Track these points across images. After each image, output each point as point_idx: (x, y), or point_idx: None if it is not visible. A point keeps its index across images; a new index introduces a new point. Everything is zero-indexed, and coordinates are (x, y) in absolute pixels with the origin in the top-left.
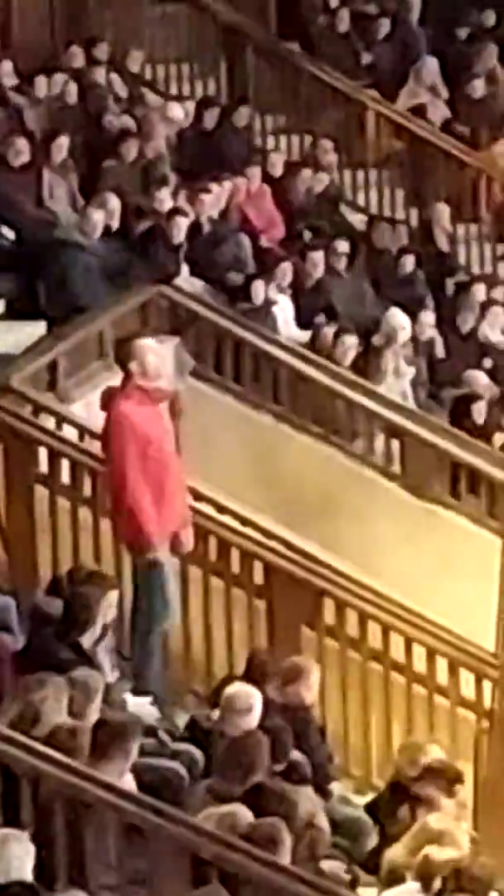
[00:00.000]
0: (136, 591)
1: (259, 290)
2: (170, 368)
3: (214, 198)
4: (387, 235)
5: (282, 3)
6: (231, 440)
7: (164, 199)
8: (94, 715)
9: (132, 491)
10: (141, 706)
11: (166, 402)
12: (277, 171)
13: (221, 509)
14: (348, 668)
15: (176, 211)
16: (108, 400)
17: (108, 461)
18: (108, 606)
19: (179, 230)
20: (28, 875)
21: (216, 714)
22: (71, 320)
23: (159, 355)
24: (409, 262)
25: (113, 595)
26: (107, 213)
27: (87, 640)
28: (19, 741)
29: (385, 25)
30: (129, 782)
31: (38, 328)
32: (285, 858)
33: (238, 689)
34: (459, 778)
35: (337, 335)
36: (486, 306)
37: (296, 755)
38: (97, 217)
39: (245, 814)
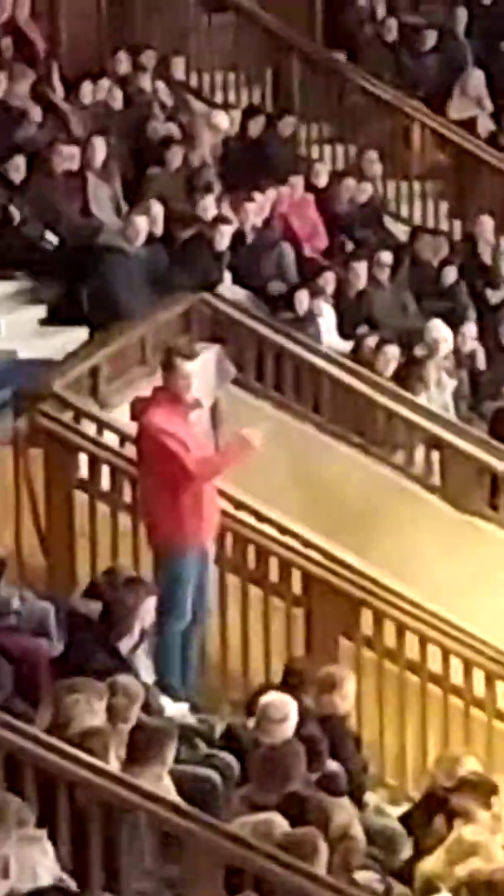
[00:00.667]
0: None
1: (302, 299)
2: (209, 377)
3: (258, 206)
4: (429, 247)
5: (328, 13)
6: (271, 449)
7: (208, 206)
8: (132, 720)
9: (161, 498)
10: (178, 711)
11: (199, 411)
12: (322, 180)
13: (261, 518)
14: (385, 679)
15: (220, 219)
16: (138, 409)
17: (141, 469)
18: (146, 612)
19: (222, 238)
20: (49, 876)
21: (252, 722)
22: (113, 326)
23: (196, 368)
24: (451, 274)
25: (151, 601)
26: (150, 220)
27: (124, 646)
28: (56, 746)
29: (431, 37)
30: (168, 788)
31: (81, 334)
32: (321, 868)
33: (273, 697)
34: (495, 790)
35: (379, 346)
36: None
37: (331, 765)
38: (140, 223)
39: (280, 822)
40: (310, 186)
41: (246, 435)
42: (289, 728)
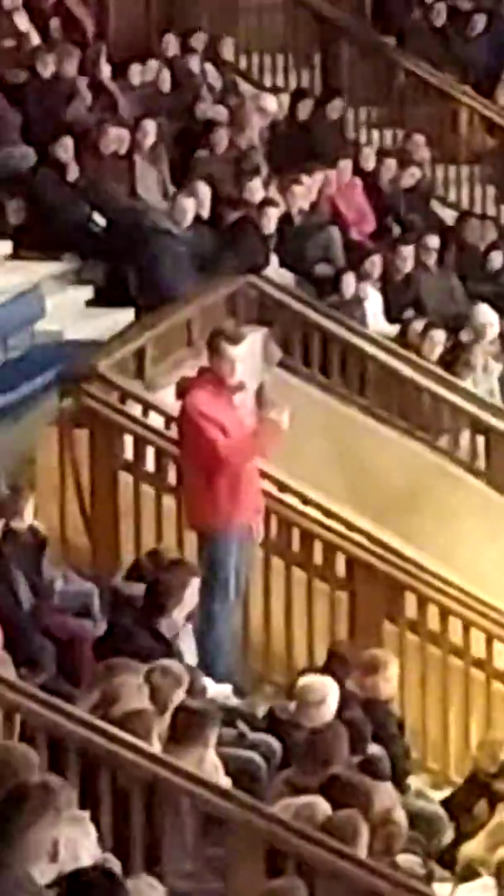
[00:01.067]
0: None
1: (349, 282)
2: (255, 360)
3: (305, 189)
4: (476, 231)
5: None
6: (317, 432)
7: (256, 189)
8: (175, 703)
9: (200, 480)
10: (221, 693)
11: (244, 394)
12: (370, 164)
13: (305, 501)
14: (428, 663)
15: (267, 202)
16: (183, 389)
17: (181, 449)
18: (190, 594)
19: (270, 221)
20: (90, 856)
21: (294, 705)
22: (159, 308)
23: (242, 352)
24: (497, 259)
25: (195, 582)
26: (197, 202)
27: (167, 627)
28: (99, 726)
29: (480, 21)
30: (212, 769)
31: (127, 315)
32: (362, 851)
33: (312, 680)
34: None
35: (425, 330)
36: None
37: (374, 748)
38: (187, 205)
39: (323, 805)
40: (358, 170)
41: (276, 418)
42: (328, 711)
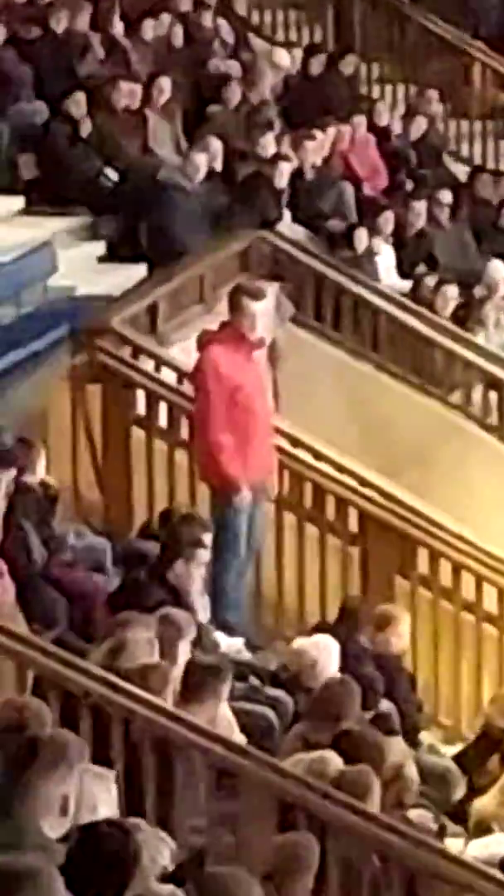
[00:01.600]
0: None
1: (361, 238)
2: (268, 315)
3: (318, 145)
4: (489, 187)
5: None
6: (329, 387)
7: (268, 144)
8: (184, 655)
9: (214, 434)
10: (233, 647)
11: (263, 350)
12: (383, 120)
13: (318, 456)
14: (440, 618)
15: (279, 156)
16: (203, 343)
17: (195, 403)
18: (203, 549)
19: (282, 176)
20: (109, 812)
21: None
22: (172, 263)
23: (263, 309)
24: None
25: (207, 537)
26: (209, 157)
27: (180, 582)
28: (111, 681)
29: None
30: (225, 722)
31: (139, 271)
32: (374, 806)
33: (300, 644)
34: None
35: (438, 286)
36: None
37: (385, 704)
38: (200, 160)
39: (335, 760)
40: (370, 125)
41: None
42: (325, 670)
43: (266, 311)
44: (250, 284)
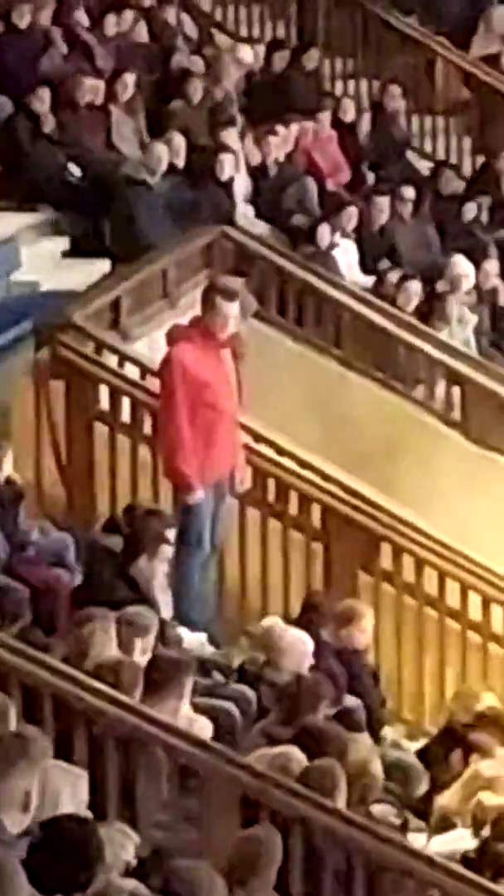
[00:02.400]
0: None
1: (324, 233)
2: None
3: (281, 140)
4: (452, 183)
5: None
6: (292, 383)
7: (231, 139)
8: (146, 652)
9: (174, 431)
10: (196, 643)
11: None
12: (348, 116)
13: (281, 451)
14: (403, 614)
15: (220, 148)
16: (173, 339)
17: (160, 399)
18: (166, 544)
19: (223, 166)
20: (73, 808)
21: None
22: (135, 259)
23: (236, 308)
24: (471, 210)
25: (170, 533)
26: (171, 151)
27: (143, 578)
28: (74, 676)
29: None
30: (189, 719)
31: (103, 266)
32: (341, 801)
33: (273, 622)
34: None
35: (401, 281)
36: None
37: (349, 699)
38: (161, 152)
39: (298, 755)
40: (334, 121)
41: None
42: (297, 664)
43: (238, 311)
44: (225, 284)
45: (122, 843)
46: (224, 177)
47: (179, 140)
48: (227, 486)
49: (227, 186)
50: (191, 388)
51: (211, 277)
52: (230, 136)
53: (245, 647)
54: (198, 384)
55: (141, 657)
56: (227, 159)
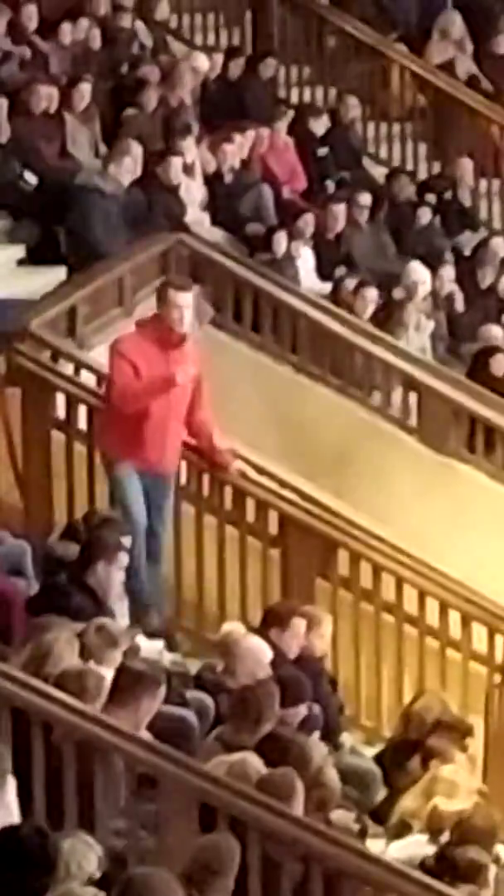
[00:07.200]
0: None
1: (280, 241)
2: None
3: (237, 147)
4: (407, 189)
5: None
6: (249, 390)
7: (187, 147)
8: (115, 663)
9: (106, 413)
10: (153, 650)
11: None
12: (302, 122)
13: (237, 458)
14: (361, 620)
15: (166, 151)
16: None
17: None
18: (123, 552)
19: (173, 170)
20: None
21: (221, 663)
22: (91, 267)
23: (189, 304)
24: (426, 215)
25: (127, 540)
26: (129, 160)
27: (101, 585)
28: (31, 684)
29: None
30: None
31: (58, 274)
32: (298, 809)
33: (230, 629)
34: (470, 731)
35: (357, 288)
36: None
37: (308, 705)
38: (127, 165)
39: (255, 762)
40: (290, 128)
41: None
42: (254, 671)
43: (192, 303)
44: (177, 277)
45: (85, 854)
46: (174, 181)
47: (137, 149)
48: (164, 482)
49: (177, 191)
50: (127, 376)
51: None
52: (185, 143)
53: (203, 654)
54: (133, 373)
55: (110, 667)
56: (175, 163)
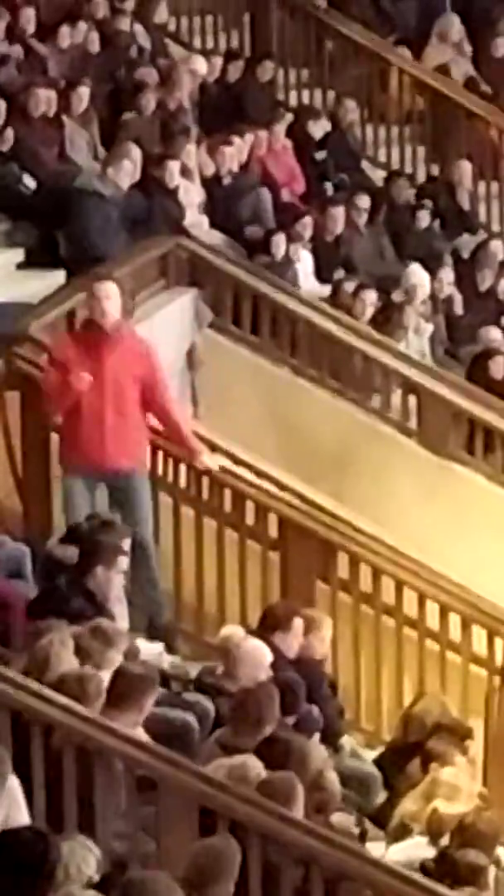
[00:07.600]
0: None
1: (279, 244)
2: (186, 321)
3: (235, 151)
4: (406, 192)
5: None
6: (248, 393)
7: (187, 151)
8: (114, 665)
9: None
10: (153, 653)
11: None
12: (301, 125)
13: (237, 461)
14: (361, 623)
15: (165, 156)
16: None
17: None
18: (123, 555)
19: (170, 173)
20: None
21: (221, 667)
22: (90, 270)
23: (112, 295)
24: (424, 218)
25: (126, 543)
26: (128, 164)
27: (100, 589)
28: (31, 688)
29: None
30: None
31: (57, 277)
32: (299, 812)
33: (230, 632)
34: (470, 734)
35: (356, 291)
36: None
37: (308, 708)
38: (127, 168)
39: (255, 765)
40: (288, 131)
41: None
42: (254, 668)
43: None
44: (96, 270)
45: (84, 857)
46: (172, 184)
47: (136, 152)
48: (126, 479)
49: (175, 194)
50: (62, 375)
51: (165, 288)
52: (184, 146)
53: (202, 656)
54: (55, 377)
55: (109, 669)
56: (174, 166)
